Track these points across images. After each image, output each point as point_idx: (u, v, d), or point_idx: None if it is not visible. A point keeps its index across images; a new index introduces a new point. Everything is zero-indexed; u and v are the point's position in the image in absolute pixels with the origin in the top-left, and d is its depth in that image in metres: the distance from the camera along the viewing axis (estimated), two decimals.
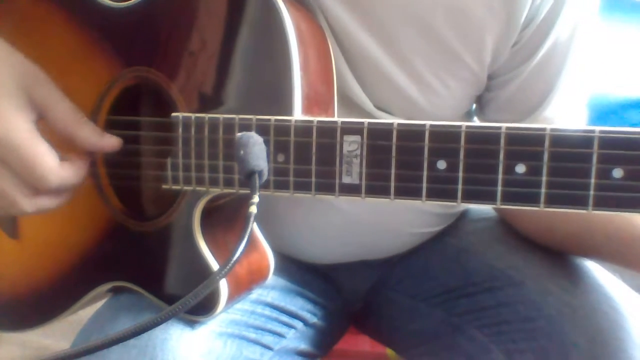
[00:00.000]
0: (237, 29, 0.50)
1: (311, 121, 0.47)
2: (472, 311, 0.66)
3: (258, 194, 0.45)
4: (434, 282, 0.72)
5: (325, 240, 0.69)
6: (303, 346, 0.71)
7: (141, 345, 0.52)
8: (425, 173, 0.44)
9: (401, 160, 0.44)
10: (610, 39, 1.32)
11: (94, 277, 0.59)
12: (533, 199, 0.42)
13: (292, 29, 0.48)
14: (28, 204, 0.50)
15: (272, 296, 0.67)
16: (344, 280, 0.77)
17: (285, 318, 0.68)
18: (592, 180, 0.40)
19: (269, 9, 0.49)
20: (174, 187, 0.53)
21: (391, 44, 0.58)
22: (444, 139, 0.43)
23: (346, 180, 0.46)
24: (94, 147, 0.53)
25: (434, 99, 0.61)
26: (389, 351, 0.91)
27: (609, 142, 0.39)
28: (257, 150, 0.46)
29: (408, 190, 0.45)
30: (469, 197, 0.43)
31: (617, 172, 0.40)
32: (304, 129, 0.47)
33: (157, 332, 0.53)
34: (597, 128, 0.40)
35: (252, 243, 0.58)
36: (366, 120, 0.45)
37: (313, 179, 0.47)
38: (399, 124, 0.44)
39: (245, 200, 0.45)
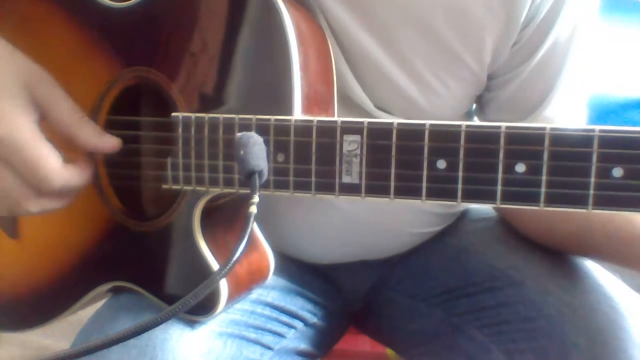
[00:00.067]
0: (238, 29, 0.50)
1: (311, 121, 0.47)
2: (472, 311, 0.66)
3: (258, 194, 0.45)
4: (434, 282, 0.72)
5: (325, 240, 0.69)
6: (303, 346, 0.71)
7: (141, 345, 0.52)
8: (425, 172, 0.44)
9: (401, 159, 0.44)
10: (610, 39, 1.32)
11: (94, 277, 0.59)
12: (533, 199, 0.42)
13: (292, 29, 0.48)
14: (32, 204, 0.50)
15: (272, 296, 0.67)
16: (344, 280, 0.77)
17: (285, 318, 0.68)
18: (592, 180, 0.40)
19: (269, 9, 0.49)
20: (174, 187, 0.53)
21: (391, 44, 0.58)
22: (444, 138, 0.43)
23: (346, 179, 0.46)
24: (94, 148, 0.53)
25: (434, 99, 0.61)
26: (389, 351, 0.91)
27: (609, 141, 0.39)
28: (257, 150, 0.46)
29: (408, 189, 0.45)
30: (468, 196, 0.43)
31: (617, 172, 0.40)
32: (304, 129, 0.47)
33: (157, 332, 0.53)
34: (597, 127, 0.40)
35: (252, 243, 0.58)
36: (366, 120, 0.45)
37: (313, 179, 0.47)
38: (398, 124, 0.44)
39: (245, 200, 0.45)
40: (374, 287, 0.77)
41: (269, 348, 0.65)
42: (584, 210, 0.41)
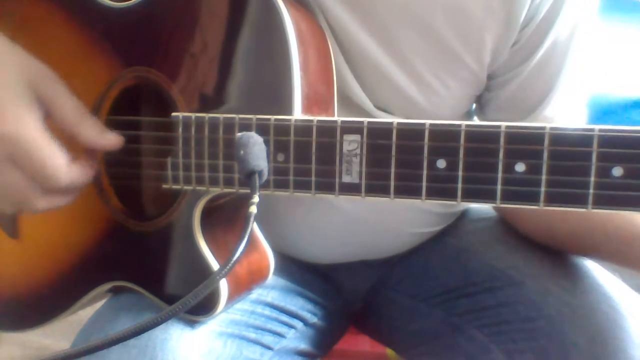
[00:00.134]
0: (238, 28, 0.50)
1: (311, 120, 0.47)
2: (472, 311, 0.66)
3: (258, 193, 0.45)
4: (434, 282, 0.72)
5: (325, 240, 0.69)
6: (303, 346, 0.71)
7: (141, 345, 0.52)
8: (425, 172, 0.44)
9: (401, 159, 0.44)
10: (610, 39, 1.32)
11: (94, 277, 0.59)
12: (533, 198, 0.42)
13: (292, 29, 0.48)
14: (38, 201, 0.50)
15: (272, 296, 0.67)
16: (344, 280, 0.77)
17: (285, 318, 0.68)
18: (592, 179, 0.40)
19: (269, 9, 0.49)
20: (174, 186, 0.53)
21: (391, 44, 0.58)
22: (444, 137, 0.43)
23: (346, 179, 0.46)
24: (96, 145, 0.53)
25: (433, 99, 0.61)
26: (389, 351, 0.91)
27: (609, 141, 0.39)
28: (257, 150, 0.46)
29: (408, 189, 0.45)
30: (468, 195, 0.43)
31: (617, 171, 0.40)
32: (304, 129, 0.47)
33: (157, 332, 0.53)
34: (597, 127, 0.40)
35: (252, 243, 0.58)
36: (366, 120, 0.45)
37: (313, 178, 0.47)
38: (398, 123, 0.44)
39: (246, 200, 0.45)
40: (374, 287, 0.77)
41: (269, 348, 0.65)
42: (583, 210, 0.41)
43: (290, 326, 0.69)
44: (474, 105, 0.69)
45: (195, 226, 0.53)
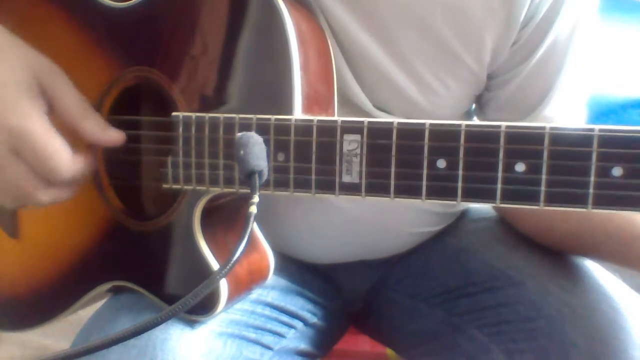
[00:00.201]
0: (238, 29, 0.50)
1: (311, 120, 0.47)
2: (472, 311, 0.66)
3: (258, 193, 0.45)
4: (434, 282, 0.72)
5: (325, 240, 0.69)
6: (303, 346, 0.71)
7: (141, 345, 0.52)
8: (425, 172, 0.44)
9: (401, 159, 0.44)
10: (610, 39, 1.32)
11: (94, 277, 0.59)
12: (533, 198, 0.42)
13: (293, 29, 0.48)
14: (41, 195, 0.50)
15: (272, 296, 0.67)
16: (344, 280, 0.77)
17: (285, 318, 0.68)
18: (592, 179, 0.40)
19: (270, 9, 0.49)
20: (174, 186, 0.53)
21: (391, 44, 0.58)
22: (444, 137, 0.43)
23: (346, 179, 0.46)
24: (98, 140, 0.53)
25: (433, 99, 0.61)
26: (389, 351, 0.91)
27: (609, 141, 0.39)
28: (257, 150, 0.46)
29: (408, 188, 0.45)
30: (468, 195, 0.43)
31: (617, 171, 0.40)
32: (304, 128, 0.47)
33: (157, 332, 0.53)
34: (597, 126, 0.40)
35: (252, 243, 0.58)
36: (366, 120, 0.45)
37: (313, 178, 0.47)
38: (398, 123, 0.44)
39: (246, 200, 0.45)
40: (374, 287, 0.77)
41: (269, 348, 0.65)
42: (583, 210, 0.41)
43: (290, 326, 0.69)
44: (474, 105, 0.69)
45: (195, 226, 0.53)
